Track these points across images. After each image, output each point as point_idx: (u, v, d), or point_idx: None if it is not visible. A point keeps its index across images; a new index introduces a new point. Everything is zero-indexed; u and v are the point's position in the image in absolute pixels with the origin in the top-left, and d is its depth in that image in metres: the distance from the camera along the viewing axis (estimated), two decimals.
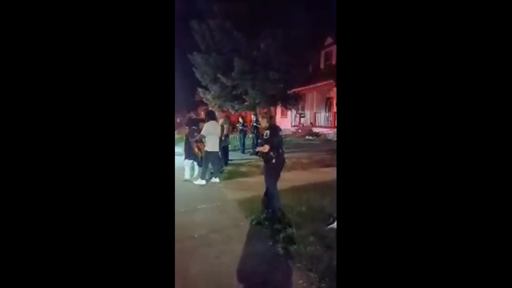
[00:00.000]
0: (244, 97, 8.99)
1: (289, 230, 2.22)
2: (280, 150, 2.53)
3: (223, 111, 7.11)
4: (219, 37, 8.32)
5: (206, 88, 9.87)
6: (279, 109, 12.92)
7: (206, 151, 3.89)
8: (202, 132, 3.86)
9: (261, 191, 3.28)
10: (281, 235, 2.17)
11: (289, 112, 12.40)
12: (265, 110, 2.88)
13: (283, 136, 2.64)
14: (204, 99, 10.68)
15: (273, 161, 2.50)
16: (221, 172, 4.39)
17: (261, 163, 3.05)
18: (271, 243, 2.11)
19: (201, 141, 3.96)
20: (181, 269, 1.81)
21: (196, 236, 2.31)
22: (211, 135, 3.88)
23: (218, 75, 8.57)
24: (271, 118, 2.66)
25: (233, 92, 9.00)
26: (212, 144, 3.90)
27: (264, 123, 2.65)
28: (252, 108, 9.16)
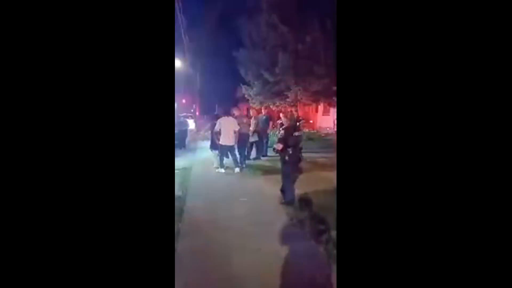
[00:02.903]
0: (286, 93, 8.87)
1: (333, 233, 2.11)
2: (294, 149, 2.73)
3: (256, 109, 6.99)
4: (264, 32, 8.34)
5: (249, 84, 10.06)
6: (321, 106, 12.38)
7: (220, 144, 4.34)
8: (216, 127, 4.34)
9: (300, 188, 3.23)
10: (324, 237, 2.08)
11: (331, 110, 11.76)
12: (288, 111, 3.21)
13: (301, 136, 2.92)
14: (246, 95, 10.92)
15: (286, 158, 2.74)
16: (241, 165, 4.67)
17: (301, 162, 3.18)
18: (313, 243, 2.04)
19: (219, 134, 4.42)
20: (224, 257, 1.89)
21: (237, 227, 2.38)
22: (224, 130, 4.28)
23: (262, 71, 8.63)
24: (292, 119, 2.95)
25: (275, 88, 8.96)
26: (224, 138, 4.29)
27: (285, 122, 2.88)
28: (294, 104, 8.98)
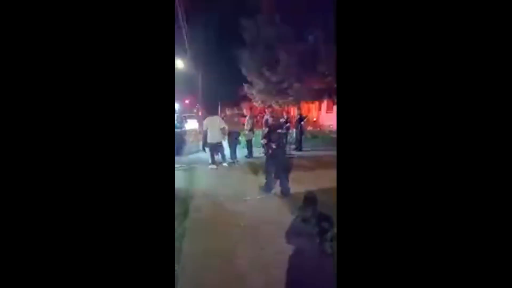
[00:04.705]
0: (288, 91, 8.84)
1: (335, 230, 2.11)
2: (277, 145, 3.08)
3: (251, 109, 6.89)
4: (266, 31, 8.32)
5: (251, 83, 10.05)
6: (324, 104, 12.31)
7: (208, 142, 4.63)
8: (204, 127, 4.66)
9: (304, 186, 3.23)
10: (329, 234, 2.08)
11: (335, 107, 11.68)
12: (273, 110, 3.80)
13: (284, 133, 3.40)
14: (248, 94, 10.92)
15: (269, 151, 3.11)
16: (230, 163, 4.98)
17: (305, 160, 3.99)
18: (318, 241, 2.04)
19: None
20: (229, 254, 1.91)
21: (242, 225, 2.39)
22: (210, 129, 4.55)
23: (263, 70, 8.61)
24: (275, 118, 3.46)
25: (278, 87, 8.94)
26: (210, 137, 4.58)
27: (271, 121, 3.31)
28: (296, 102, 8.95)
